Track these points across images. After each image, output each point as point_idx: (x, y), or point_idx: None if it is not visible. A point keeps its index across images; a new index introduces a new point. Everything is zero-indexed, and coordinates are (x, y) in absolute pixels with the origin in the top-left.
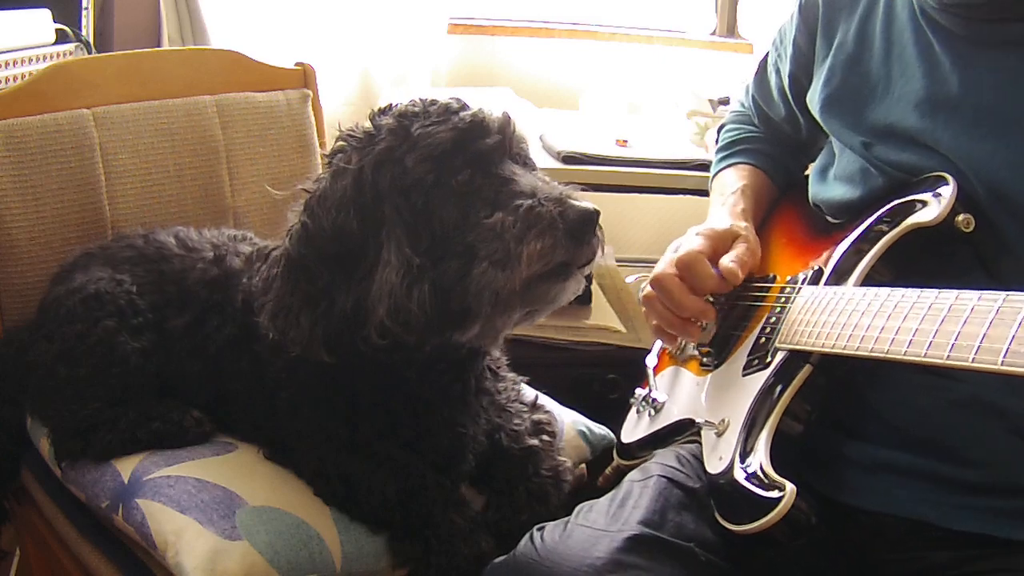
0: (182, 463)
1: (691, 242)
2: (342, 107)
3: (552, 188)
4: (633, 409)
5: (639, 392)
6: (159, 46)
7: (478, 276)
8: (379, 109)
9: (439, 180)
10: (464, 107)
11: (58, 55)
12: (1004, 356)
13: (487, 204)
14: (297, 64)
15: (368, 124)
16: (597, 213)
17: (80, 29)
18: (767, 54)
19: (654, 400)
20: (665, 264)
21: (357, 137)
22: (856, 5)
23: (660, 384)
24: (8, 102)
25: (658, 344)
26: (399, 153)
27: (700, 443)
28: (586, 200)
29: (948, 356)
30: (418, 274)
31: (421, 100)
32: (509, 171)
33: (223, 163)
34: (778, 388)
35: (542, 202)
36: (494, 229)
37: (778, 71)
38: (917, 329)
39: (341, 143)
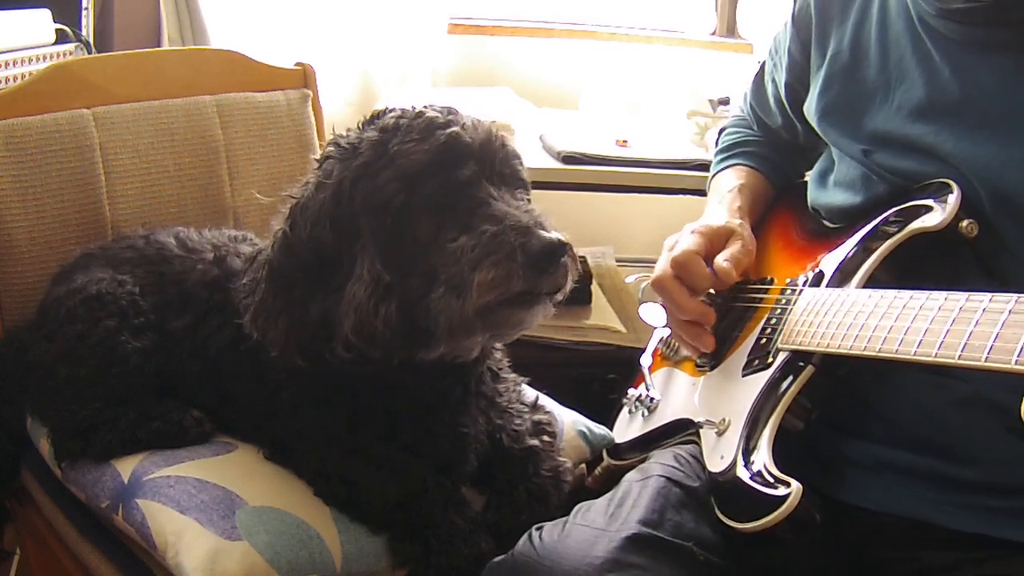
0: (182, 463)
1: (686, 240)
2: (342, 107)
3: (522, 216)
4: (625, 409)
5: (632, 392)
6: (159, 46)
7: (435, 300)
8: (373, 114)
9: (410, 200)
10: (449, 123)
11: (58, 55)
12: (1018, 355)
13: (457, 226)
14: (297, 64)
15: (354, 132)
16: (562, 244)
17: (80, 29)
18: (763, 63)
19: (650, 400)
20: (662, 265)
21: (342, 147)
22: (848, 13)
23: (655, 384)
24: (8, 102)
25: (653, 344)
26: (374, 169)
27: (698, 443)
28: (555, 230)
29: (960, 356)
30: (385, 292)
31: (412, 110)
32: (485, 193)
33: (223, 163)
34: (780, 387)
35: (506, 230)
36: (455, 253)
37: (774, 80)
38: (927, 329)
39: (330, 149)
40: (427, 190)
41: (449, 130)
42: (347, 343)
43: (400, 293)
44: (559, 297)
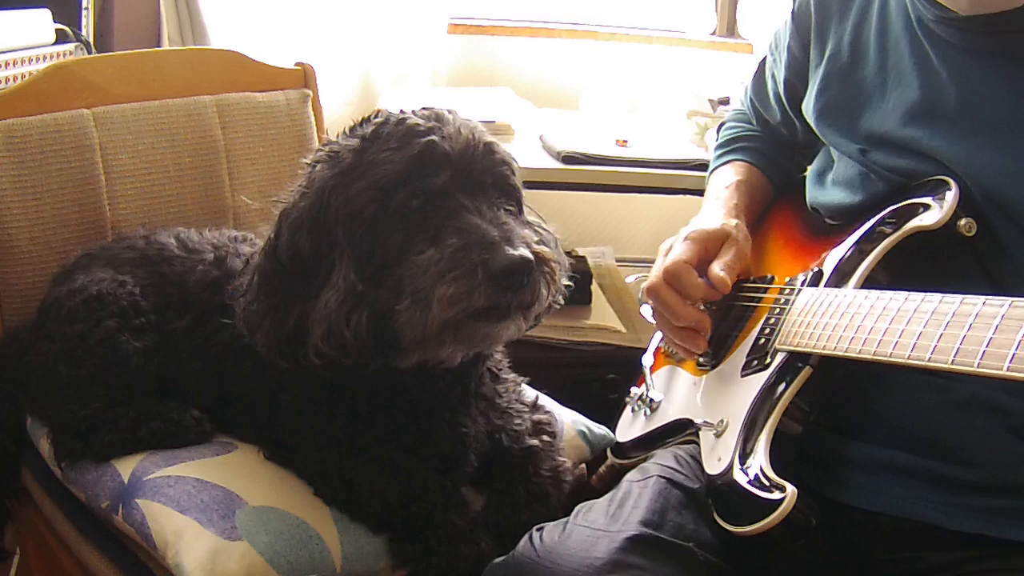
0: (182, 463)
1: (677, 249)
2: (342, 107)
3: (491, 230)
4: (628, 408)
5: (635, 391)
6: (159, 46)
7: (402, 312)
8: (363, 119)
9: (383, 210)
10: (430, 130)
11: (58, 55)
12: (1010, 362)
13: (426, 238)
14: (297, 64)
15: (341, 139)
16: (527, 262)
17: (80, 29)
18: (764, 58)
19: (651, 399)
20: (655, 272)
21: (327, 154)
22: (848, 12)
23: (656, 383)
24: (8, 102)
25: (654, 343)
26: (350, 178)
27: (698, 444)
28: (523, 247)
29: (953, 361)
30: (357, 301)
31: (397, 116)
32: (458, 203)
33: (223, 163)
34: (778, 389)
35: (470, 246)
36: (421, 266)
37: (774, 76)
38: (921, 333)
39: (319, 154)
40: (399, 200)
41: (425, 139)
42: (317, 350)
43: (372, 303)
44: (536, 310)
